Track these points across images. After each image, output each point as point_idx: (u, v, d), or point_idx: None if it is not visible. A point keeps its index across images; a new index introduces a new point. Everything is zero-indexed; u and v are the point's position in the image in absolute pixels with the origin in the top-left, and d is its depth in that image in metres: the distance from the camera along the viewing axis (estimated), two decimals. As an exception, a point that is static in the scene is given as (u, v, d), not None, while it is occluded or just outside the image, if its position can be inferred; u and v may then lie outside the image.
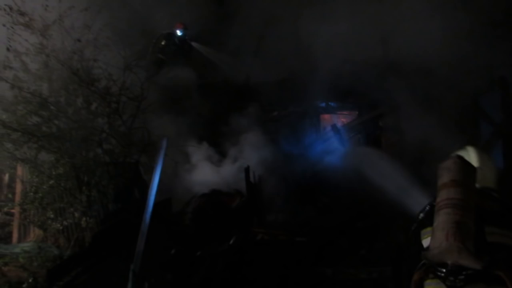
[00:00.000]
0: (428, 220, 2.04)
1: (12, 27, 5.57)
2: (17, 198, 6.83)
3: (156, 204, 4.49)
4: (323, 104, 8.53)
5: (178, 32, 8.44)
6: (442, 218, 1.86)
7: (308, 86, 7.62)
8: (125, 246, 4.32)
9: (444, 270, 1.82)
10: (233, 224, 5.42)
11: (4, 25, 5.50)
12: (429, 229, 2.00)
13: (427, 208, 2.17)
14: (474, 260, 1.74)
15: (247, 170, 6.12)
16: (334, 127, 7.86)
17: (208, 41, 8.71)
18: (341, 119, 8.59)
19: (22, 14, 5.61)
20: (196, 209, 5.68)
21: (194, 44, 8.67)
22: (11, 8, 5.54)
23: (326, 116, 8.68)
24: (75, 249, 6.01)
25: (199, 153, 6.74)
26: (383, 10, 6.55)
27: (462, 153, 2.23)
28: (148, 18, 7.94)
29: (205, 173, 6.58)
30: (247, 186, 6.11)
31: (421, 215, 2.20)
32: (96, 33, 6.10)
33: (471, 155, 2.24)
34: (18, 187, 6.89)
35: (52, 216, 6.22)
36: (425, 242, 2.04)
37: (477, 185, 2.05)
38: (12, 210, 7.07)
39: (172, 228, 5.15)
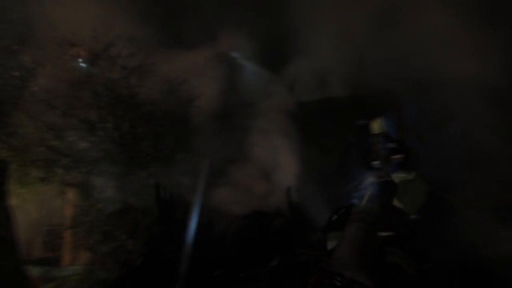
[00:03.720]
0: (339, 224, 2.08)
1: (64, 58, 5.90)
2: (68, 221, 7.06)
3: (199, 226, 4.48)
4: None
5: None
6: (351, 230, 1.92)
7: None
8: (169, 268, 4.31)
9: (339, 280, 1.82)
10: (276, 245, 5.31)
11: (57, 57, 5.84)
12: (337, 233, 2.08)
13: (342, 211, 2.28)
14: (368, 278, 1.80)
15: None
16: None
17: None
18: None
19: (73, 45, 5.94)
20: (239, 231, 5.62)
21: None
22: (63, 40, 5.88)
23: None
24: (122, 272, 6.09)
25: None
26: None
27: (396, 173, 2.37)
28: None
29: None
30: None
31: (335, 216, 2.31)
32: (141, 60, 6.33)
33: (401, 176, 2.39)
34: (69, 211, 7.13)
35: (100, 239, 6.37)
36: (330, 245, 2.17)
37: (399, 205, 2.23)
38: (63, 234, 7.31)
39: (215, 250, 5.11)
